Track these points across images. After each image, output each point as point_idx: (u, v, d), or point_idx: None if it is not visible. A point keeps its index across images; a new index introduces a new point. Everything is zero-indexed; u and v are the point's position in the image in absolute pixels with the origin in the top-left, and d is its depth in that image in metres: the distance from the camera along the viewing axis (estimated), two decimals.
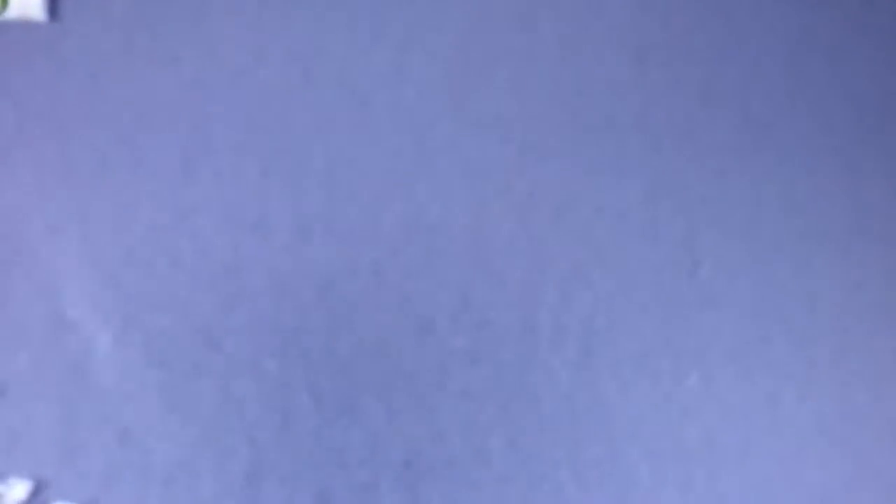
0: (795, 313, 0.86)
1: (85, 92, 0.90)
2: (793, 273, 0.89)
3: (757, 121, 0.95)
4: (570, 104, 0.93)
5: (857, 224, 0.91)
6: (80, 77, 0.90)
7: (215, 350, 0.78)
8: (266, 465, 0.78)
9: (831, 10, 1.03)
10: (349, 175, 0.89)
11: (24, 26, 0.91)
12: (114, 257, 0.83)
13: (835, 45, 1.02)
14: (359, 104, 0.92)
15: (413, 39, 0.94)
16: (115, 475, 0.78)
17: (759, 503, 0.82)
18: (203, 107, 0.91)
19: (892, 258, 0.90)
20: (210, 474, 0.77)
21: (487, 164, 0.91)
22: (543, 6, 0.97)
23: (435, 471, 0.79)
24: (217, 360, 0.78)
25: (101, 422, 0.76)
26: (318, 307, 0.81)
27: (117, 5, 0.94)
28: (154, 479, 0.78)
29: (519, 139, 0.92)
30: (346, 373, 0.79)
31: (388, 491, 0.80)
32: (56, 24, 0.92)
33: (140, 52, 0.92)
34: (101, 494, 0.78)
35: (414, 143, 0.90)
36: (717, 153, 0.92)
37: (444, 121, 0.92)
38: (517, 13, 0.97)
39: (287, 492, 0.79)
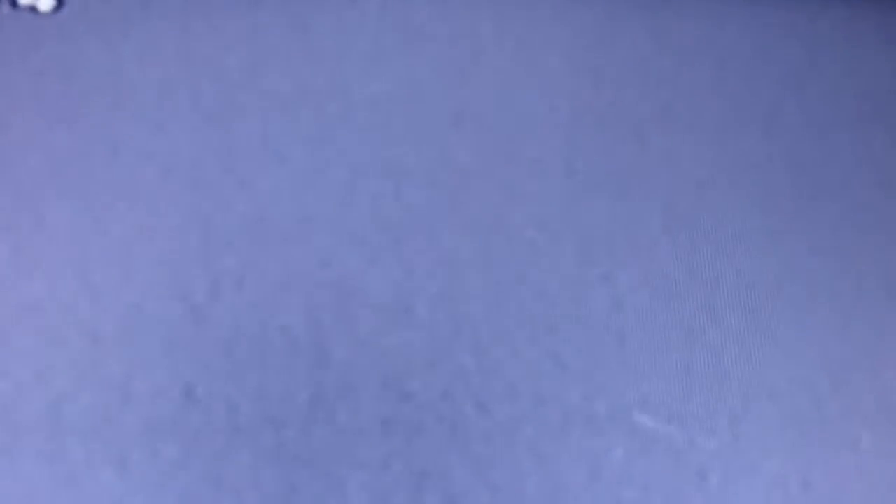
0: (723, 390, 0.82)
1: None
2: (722, 341, 0.86)
3: (684, 190, 0.92)
4: (495, 166, 0.91)
5: (784, 294, 0.89)
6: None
7: (109, 422, 0.73)
8: None
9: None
10: (264, 233, 0.85)
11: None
12: (8, 314, 0.79)
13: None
14: (278, 161, 0.88)
15: (335, 97, 0.90)
16: None
17: None
18: (111, 153, 0.87)
19: (808, 322, 0.87)
20: None
21: (410, 226, 0.87)
22: (472, 71, 0.94)
23: None
24: (111, 433, 0.73)
25: None
26: (223, 372, 0.77)
27: None
28: None
29: (444, 202, 0.89)
30: (250, 444, 0.75)
31: None
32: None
33: None
34: None
35: (334, 202, 0.87)
36: (642, 218, 0.90)
37: (365, 180, 0.88)
38: (445, 75, 0.94)
39: None
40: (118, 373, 0.77)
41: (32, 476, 0.75)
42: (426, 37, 0.95)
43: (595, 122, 0.95)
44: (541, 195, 0.90)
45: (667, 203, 0.92)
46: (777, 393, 0.85)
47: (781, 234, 0.93)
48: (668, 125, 0.97)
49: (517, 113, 0.94)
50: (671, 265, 0.89)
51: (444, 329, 0.82)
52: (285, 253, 0.85)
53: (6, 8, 0.91)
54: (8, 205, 0.84)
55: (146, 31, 0.91)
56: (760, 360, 0.86)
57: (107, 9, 0.92)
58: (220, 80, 0.90)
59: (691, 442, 0.81)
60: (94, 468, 0.74)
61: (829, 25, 1.05)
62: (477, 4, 0.97)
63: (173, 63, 0.90)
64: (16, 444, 0.75)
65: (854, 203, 0.94)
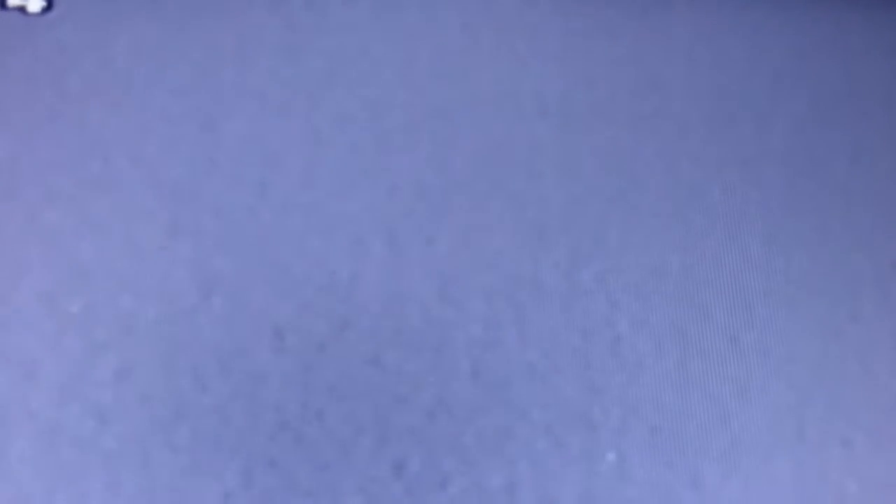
0: (717, 390, 0.82)
1: None
2: (715, 341, 0.86)
3: (677, 190, 0.92)
4: (489, 169, 0.90)
5: (777, 293, 0.88)
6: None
7: (102, 425, 0.72)
8: None
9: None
10: (255, 236, 0.85)
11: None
12: (4, 318, 0.78)
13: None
14: (270, 163, 0.88)
15: (327, 100, 0.90)
16: None
17: None
18: (101, 155, 0.86)
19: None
20: None
21: (404, 229, 0.87)
22: (464, 75, 0.94)
23: None
24: (103, 437, 0.72)
25: None
26: (215, 377, 0.76)
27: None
28: None
29: (435, 206, 0.88)
30: (242, 447, 0.74)
31: None
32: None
33: None
34: None
35: (326, 205, 0.86)
36: (635, 220, 0.90)
37: (359, 183, 0.88)
38: (437, 78, 0.94)
39: None
40: (110, 376, 0.76)
41: (23, 479, 0.74)
42: (418, 41, 0.95)
43: (587, 125, 0.95)
44: (535, 198, 0.90)
45: (660, 205, 0.92)
46: (769, 392, 0.85)
47: (775, 235, 0.92)
48: (660, 127, 0.97)
49: (510, 116, 0.94)
50: (665, 266, 0.89)
51: (438, 334, 0.82)
52: (276, 256, 0.84)
53: None
54: None
55: (135, 32, 0.91)
56: (753, 359, 0.86)
57: (96, 10, 0.91)
58: (211, 82, 0.90)
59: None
60: (86, 473, 0.73)
61: (821, 26, 1.05)
62: (468, 9, 0.97)
63: (163, 65, 0.89)
64: (7, 447, 0.75)
65: (848, 203, 0.94)
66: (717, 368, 0.85)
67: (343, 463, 0.77)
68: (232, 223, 0.85)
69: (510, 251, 0.87)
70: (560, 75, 0.97)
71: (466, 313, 0.84)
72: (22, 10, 0.91)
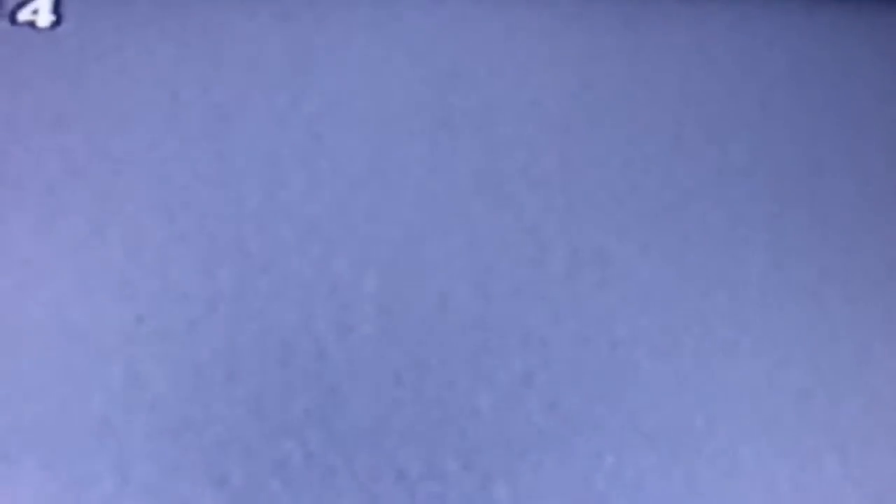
0: (717, 395, 0.84)
1: None
2: (710, 348, 0.87)
3: (672, 197, 0.93)
4: (487, 175, 0.92)
5: (771, 300, 0.90)
6: None
7: (109, 434, 0.74)
8: None
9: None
10: (260, 245, 0.86)
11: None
12: (7, 324, 0.80)
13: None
14: (271, 171, 0.89)
15: (327, 109, 0.91)
16: None
17: None
18: (109, 168, 0.88)
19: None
20: None
21: (404, 235, 0.89)
22: (461, 79, 0.95)
23: None
24: (111, 445, 0.74)
25: None
26: (221, 390, 0.78)
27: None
28: None
29: (438, 210, 0.90)
30: (252, 460, 0.76)
31: None
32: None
33: None
34: None
35: (327, 213, 0.88)
36: (631, 226, 0.91)
37: (359, 190, 0.89)
38: (435, 84, 0.95)
39: None
40: (118, 384, 0.78)
41: (33, 484, 0.76)
42: (417, 48, 0.97)
43: (584, 130, 0.96)
44: (533, 204, 0.91)
45: (655, 210, 0.93)
46: (763, 397, 0.86)
47: (768, 242, 0.94)
48: (656, 131, 0.98)
49: (508, 121, 0.95)
50: (659, 273, 0.90)
51: (436, 336, 0.84)
52: (280, 264, 0.86)
53: (5, 23, 0.92)
54: (7, 220, 0.85)
55: (144, 46, 0.92)
56: (748, 368, 0.87)
57: (105, 25, 0.93)
58: (216, 95, 0.91)
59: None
60: (94, 477, 0.75)
61: (816, 31, 1.06)
62: (464, 14, 0.98)
63: (170, 78, 0.91)
64: (17, 451, 0.77)
65: (840, 209, 0.95)
66: (711, 373, 0.86)
67: (345, 462, 0.78)
68: (236, 234, 0.87)
69: (508, 258, 0.88)
70: (556, 81, 0.98)
71: (464, 319, 0.85)
72: (31, 24, 0.93)
